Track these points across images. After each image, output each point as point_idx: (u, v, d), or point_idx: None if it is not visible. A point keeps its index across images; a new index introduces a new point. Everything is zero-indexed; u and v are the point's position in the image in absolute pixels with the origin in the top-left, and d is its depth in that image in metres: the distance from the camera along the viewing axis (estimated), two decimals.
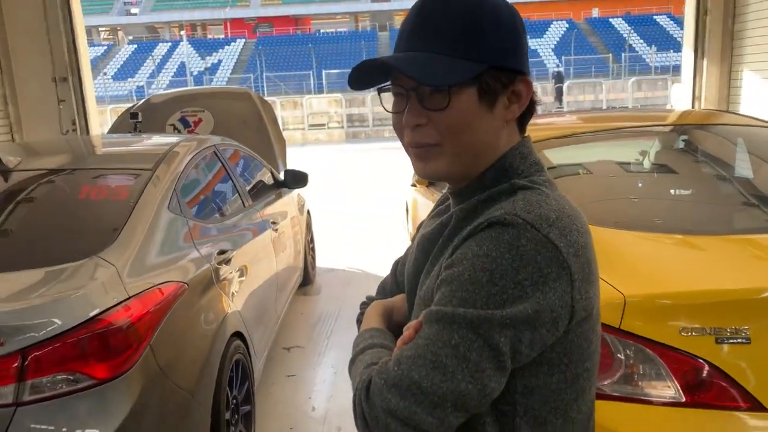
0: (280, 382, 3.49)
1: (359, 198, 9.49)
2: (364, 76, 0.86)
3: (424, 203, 4.18)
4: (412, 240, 0.99)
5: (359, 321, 1.05)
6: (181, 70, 34.41)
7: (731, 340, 1.51)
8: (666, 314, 1.57)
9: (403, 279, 1.00)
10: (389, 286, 1.08)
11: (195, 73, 34.33)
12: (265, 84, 30.69)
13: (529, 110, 0.88)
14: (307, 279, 5.00)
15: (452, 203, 0.91)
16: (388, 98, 0.93)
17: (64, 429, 1.71)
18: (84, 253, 2.03)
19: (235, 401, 2.55)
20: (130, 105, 5.87)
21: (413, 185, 4.67)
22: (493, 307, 0.73)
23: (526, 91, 0.85)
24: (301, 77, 30.92)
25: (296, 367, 3.70)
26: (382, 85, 0.87)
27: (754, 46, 6.23)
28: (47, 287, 1.90)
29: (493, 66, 0.81)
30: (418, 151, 0.85)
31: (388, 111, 0.88)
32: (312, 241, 5.38)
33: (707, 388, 1.54)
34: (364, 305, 1.07)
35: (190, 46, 37.40)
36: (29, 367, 1.67)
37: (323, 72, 30.49)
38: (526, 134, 0.90)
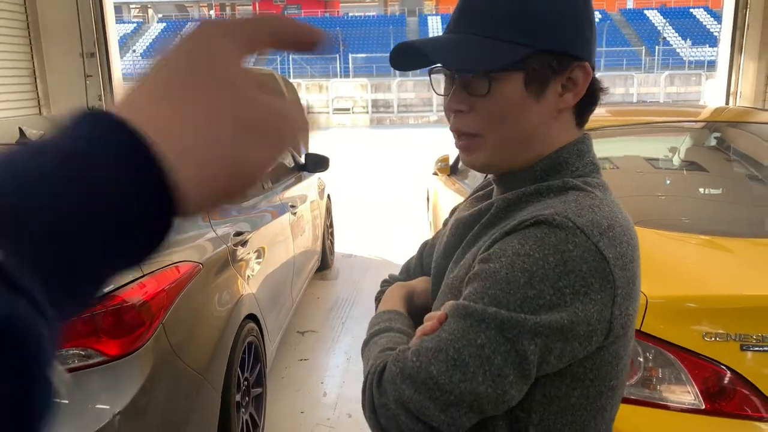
0: (293, 366, 3.49)
1: (381, 184, 9.46)
2: (408, 58, 0.81)
3: (445, 192, 4.14)
4: (445, 223, 0.94)
5: (378, 299, 1.00)
6: None
7: (757, 348, 1.45)
8: (689, 318, 1.51)
9: (429, 261, 0.95)
10: (413, 268, 1.04)
11: None
12: (291, 66, 30.68)
13: (590, 100, 0.81)
14: (324, 264, 5.00)
15: (495, 191, 0.85)
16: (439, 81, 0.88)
17: (75, 403, 1.72)
18: None
19: (246, 383, 2.55)
20: None
21: (435, 173, 4.62)
22: (528, 311, 0.68)
23: (583, 79, 0.77)
24: (327, 60, 30.84)
25: (309, 351, 3.70)
26: (433, 66, 0.81)
27: None
28: None
29: (544, 50, 0.75)
30: (460, 140, 0.81)
31: (438, 93, 0.84)
32: (331, 225, 5.37)
33: (729, 396, 1.48)
34: (386, 283, 1.03)
35: None
36: None
37: (350, 56, 30.37)
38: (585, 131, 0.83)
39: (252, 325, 2.64)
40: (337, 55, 30.64)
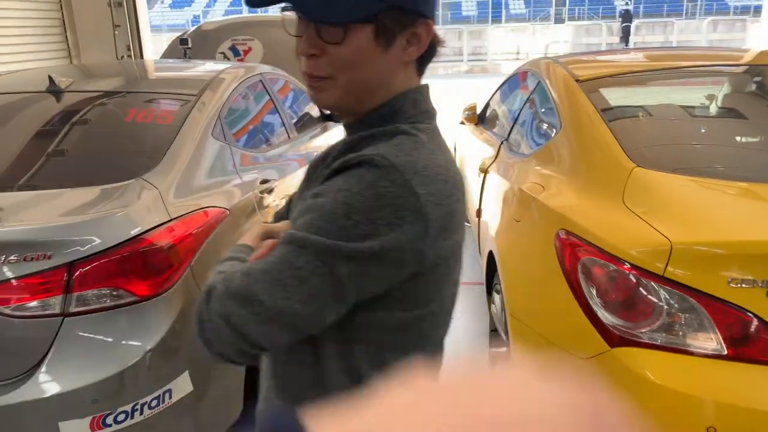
0: None
1: None
2: None
3: (472, 141, 4.08)
4: (306, 175, 0.99)
5: None
6: (237, 1, 34.10)
7: None
8: (715, 264, 1.49)
9: None
10: (282, 213, 1.10)
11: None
12: None
13: (430, 54, 0.89)
14: None
15: (346, 133, 0.93)
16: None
17: (109, 339, 1.80)
18: (129, 174, 2.06)
19: None
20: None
21: (461, 122, 4.56)
22: (344, 239, 0.75)
23: (426, 34, 0.85)
24: None
25: None
26: (283, 5, 0.84)
27: None
28: (93, 205, 1.95)
29: (394, 6, 0.81)
30: (311, 81, 0.86)
31: (289, 34, 0.86)
32: None
33: (753, 343, 1.47)
34: None
35: None
36: (75, 280, 1.74)
37: None
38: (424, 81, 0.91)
39: None
40: None
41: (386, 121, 0.86)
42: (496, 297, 2.48)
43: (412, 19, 0.83)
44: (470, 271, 4.02)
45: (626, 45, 20.73)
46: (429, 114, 0.90)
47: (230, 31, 5.21)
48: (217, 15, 32.68)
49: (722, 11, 28.27)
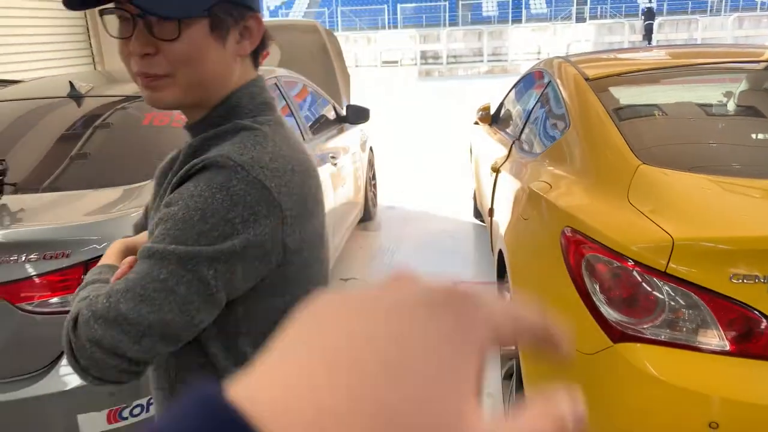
0: None
1: (426, 137, 9.39)
2: None
3: (486, 141, 4.09)
4: (157, 184, 0.97)
5: None
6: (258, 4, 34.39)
7: None
8: (717, 259, 1.49)
9: (145, 220, 1.04)
10: (140, 225, 1.08)
11: (271, 8, 34.33)
12: (339, 19, 30.33)
13: (263, 47, 0.91)
14: (367, 215, 5.07)
15: (189, 136, 0.92)
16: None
17: None
18: (146, 175, 2.13)
19: None
20: None
21: (476, 123, 4.57)
22: (204, 243, 0.76)
23: (257, 28, 0.87)
24: (376, 12, 30.29)
25: None
26: (104, 6, 0.82)
27: None
28: (113, 206, 2.02)
29: (226, 0, 0.83)
30: (148, 81, 0.83)
31: (111, 36, 0.84)
32: (374, 177, 5.41)
33: (756, 339, 1.47)
34: None
35: None
36: None
37: (398, 6, 29.73)
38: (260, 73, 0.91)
39: None
40: (386, 6, 30.04)
41: (226, 118, 0.87)
42: (506, 295, 2.49)
43: (242, 13, 0.85)
44: (484, 270, 4.03)
45: (649, 43, 20.45)
46: (268, 105, 0.91)
47: None
48: None
49: (749, 7, 27.71)
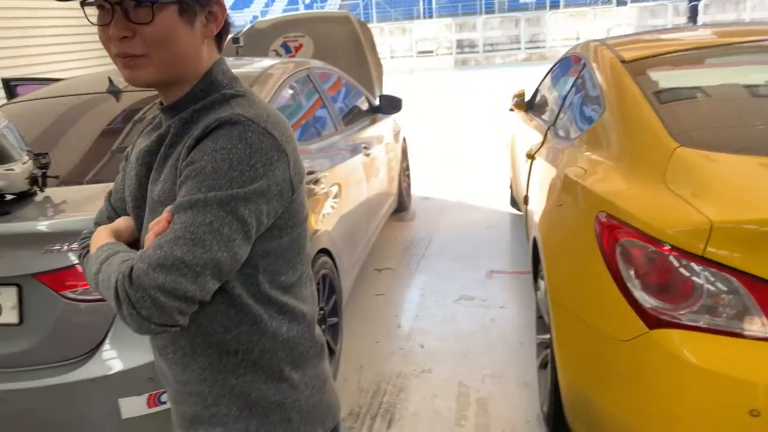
0: (369, 300, 3.63)
1: (461, 126, 9.31)
2: None
3: (522, 128, 4.03)
4: (141, 165, 1.05)
5: (82, 255, 1.13)
6: None
7: None
8: (758, 243, 1.43)
9: (120, 204, 1.14)
10: (106, 216, 1.17)
11: (307, 1, 34.50)
12: (374, 10, 30.26)
13: (225, 31, 1.03)
14: (401, 205, 5.06)
15: (164, 118, 1.04)
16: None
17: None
18: None
19: (322, 312, 2.70)
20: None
21: (511, 110, 4.50)
22: (237, 186, 0.88)
23: (220, 12, 1.00)
24: (410, 2, 30.09)
25: (386, 287, 3.82)
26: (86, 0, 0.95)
27: None
28: None
29: None
30: (126, 61, 0.95)
31: (92, 24, 0.96)
32: (407, 168, 5.40)
33: None
34: (84, 239, 1.15)
35: None
36: None
37: None
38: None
39: (326, 259, 2.76)
40: None
41: (208, 92, 1.00)
42: (541, 283, 2.46)
43: (207, 0, 0.97)
44: (519, 260, 3.99)
45: (694, 25, 19.74)
46: (237, 79, 1.04)
47: (282, 29, 5.34)
48: (276, 14, 33.38)
49: None
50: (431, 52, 21.98)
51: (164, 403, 1.87)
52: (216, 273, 0.89)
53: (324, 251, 2.75)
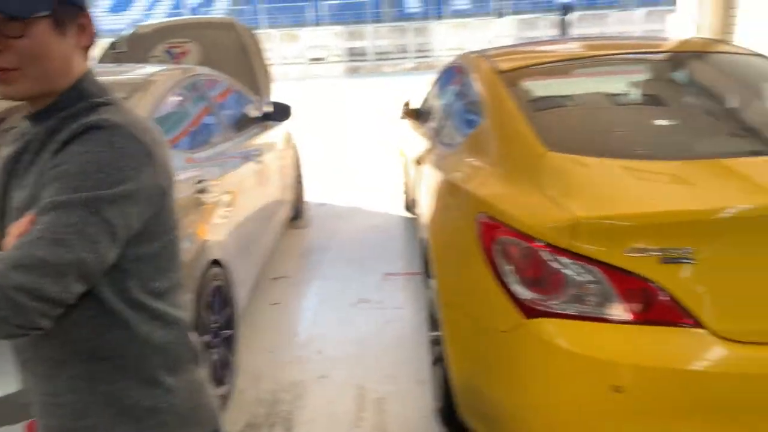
0: (265, 310, 3.60)
1: (354, 133, 9.43)
2: None
3: (412, 136, 4.17)
4: (4, 172, 1.04)
5: None
6: (178, 2, 33.43)
7: (676, 261, 1.55)
8: (614, 235, 1.60)
9: None
10: None
11: (192, 5, 33.36)
12: (262, 16, 29.86)
13: (92, 41, 1.05)
14: (296, 213, 5.05)
15: (31, 126, 1.03)
16: None
17: None
18: None
19: (215, 325, 2.64)
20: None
21: (402, 118, 4.65)
22: (103, 188, 0.89)
23: (89, 24, 1.01)
24: (299, 9, 30.02)
25: (282, 295, 3.80)
26: None
27: None
28: None
29: (64, 1, 0.96)
30: (1, 75, 0.94)
31: None
32: (301, 175, 5.40)
33: (652, 307, 1.59)
34: None
35: None
36: None
37: (322, 3, 29.57)
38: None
39: (218, 270, 2.71)
40: (310, 2, 29.79)
41: (76, 101, 1.00)
42: (431, 282, 2.57)
43: (75, 11, 0.98)
44: (413, 262, 4.12)
45: (565, 37, 21.28)
46: (107, 89, 1.05)
47: (165, 34, 5.15)
48: (158, 19, 31.99)
49: (653, 2, 29.34)
50: (322, 59, 22.04)
51: None
52: (81, 274, 0.87)
53: (216, 262, 2.69)
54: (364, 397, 2.68)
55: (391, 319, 3.38)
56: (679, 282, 1.56)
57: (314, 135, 8.67)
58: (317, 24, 27.77)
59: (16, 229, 0.89)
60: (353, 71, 20.51)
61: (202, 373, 1.14)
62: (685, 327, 1.57)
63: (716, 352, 1.56)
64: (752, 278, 1.58)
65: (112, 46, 4.10)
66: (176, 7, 33.01)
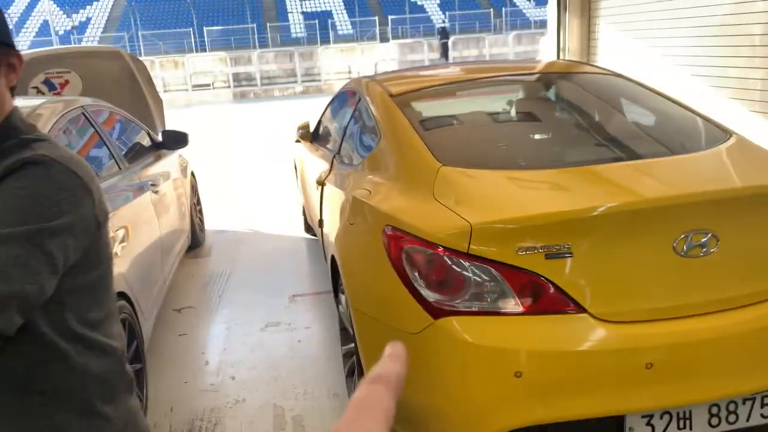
0: (172, 342, 3.52)
1: (247, 158, 9.37)
2: None
3: (310, 158, 4.28)
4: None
5: None
6: (45, 29, 31.42)
7: (558, 256, 1.77)
8: (505, 237, 1.80)
9: None
10: None
11: (61, 32, 31.47)
12: (141, 43, 28.79)
13: (17, 80, 1.08)
14: (195, 241, 4.97)
15: None
16: None
17: None
18: None
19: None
20: None
21: (297, 141, 4.74)
22: (43, 221, 0.92)
23: (18, 63, 1.05)
24: (180, 35, 29.28)
25: (188, 326, 3.73)
26: None
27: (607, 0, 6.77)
28: None
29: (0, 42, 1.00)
30: None
31: None
32: (198, 203, 5.32)
33: (541, 298, 1.80)
34: None
35: (52, 2, 34.10)
36: None
37: (204, 29, 29.06)
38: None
39: (123, 303, 2.65)
40: (191, 29, 29.16)
41: (7, 138, 1.03)
42: (342, 297, 2.67)
43: (6, 50, 1.03)
44: (318, 282, 4.20)
45: (446, 60, 22.41)
46: (34, 126, 1.10)
47: (43, 64, 4.92)
48: (22, 47, 29.86)
49: (524, 25, 31.65)
50: (208, 85, 21.62)
51: None
52: (21, 306, 0.88)
53: (121, 294, 2.63)
54: (282, 416, 2.72)
55: (302, 338, 3.44)
56: (562, 274, 1.78)
57: (206, 162, 8.52)
58: (201, 50, 27.22)
59: None
60: (241, 96, 20.29)
61: (136, 400, 1.17)
62: (569, 313, 1.80)
63: (596, 333, 1.79)
64: (620, 266, 1.84)
65: None
66: (43, 34, 31.01)
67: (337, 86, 4.01)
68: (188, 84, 20.90)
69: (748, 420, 1.85)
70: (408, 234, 1.95)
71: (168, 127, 5.00)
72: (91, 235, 1.01)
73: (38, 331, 0.98)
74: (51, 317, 0.99)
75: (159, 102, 5.31)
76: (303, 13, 36.31)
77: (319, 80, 21.74)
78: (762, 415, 1.86)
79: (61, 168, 0.97)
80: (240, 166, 8.85)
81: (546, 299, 1.80)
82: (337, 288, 2.89)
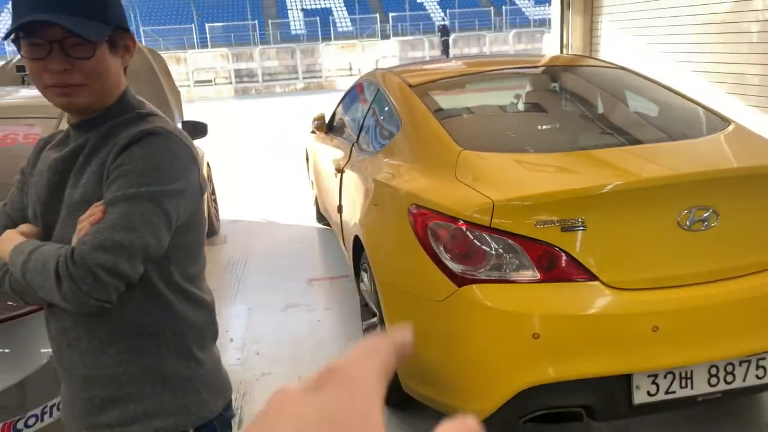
0: None
1: (256, 151, 9.53)
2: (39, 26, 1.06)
3: (324, 149, 4.44)
4: (54, 173, 1.17)
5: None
6: None
7: (572, 228, 1.95)
8: (524, 212, 1.98)
9: (18, 214, 1.24)
10: (3, 225, 1.23)
11: None
12: (142, 39, 28.87)
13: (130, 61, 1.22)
14: (211, 229, 5.13)
15: (76, 133, 1.19)
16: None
17: (6, 350, 1.87)
18: None
19: None
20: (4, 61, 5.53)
21: (312, 132, 4.90)
22: (163, 184, 1.09)
23: (133, 44, 1.20)
24: (181, 31, 29.39)
25: None
26: (19, 37, 1.08)
27: None
28: None
29: (116, 27, 1.14)
30: (64, 90, 1.11)
31: (25, 57, 1.11)
32: (213, 192, 5.48)
33: (556, 267, 1.98)
34: None
35: None
36: None
37: (206, 25, 29.16)
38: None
39: None
40: (192, 25, 29.27)
41: (123, 112, 1.17)
42: (364, 275, 2.85)
43: (124, 35, 1.16)
44: (333, 267, 4.37)
45: (447, 57, 22.56)
46: (143, 102, 1.23)
47: None
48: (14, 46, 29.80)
49: (524, 24, 31.80)
50: (210, 81, 21.74)
51: (20, 430, 1.83)
52: (145, 256, 1.06)
53: None
54: None
55: (322, 318, 3.62)
56: (576, 246, 1.96)
57: (217, 153, 8.68)
58: (202, 46, 27.32)
59: (89, 217, 1.06)
60: (243, 92, 20.42)
61: (218, 350, 1.34)
62: (583, 281, 1.97)
63: (607, 299, 1.97)
64: (629, 239, 2.01)
65: (18, 68, 4.02)
66: None
67: (339, 83, 4.20)
68: (190, 80, 21.01)
69: (744, 380, 2.03)
70: (433, 211, 2.12)
71: (188, 118, 5.16)
72: (196, 200, 1.16)
73: (150, 282, 1.14)
74: (160, 270, 1.15)
75: (177, 94, 5.46)
76: (303, 10, 36.42)
77: (320, 77, 21.88)
78: (757, 376, 2.04)
79: (176, 139, 1.13)
80: (248, 158, 9.00)
81: (561, 268, 1.97)
82: (358, 268, 3.06)
